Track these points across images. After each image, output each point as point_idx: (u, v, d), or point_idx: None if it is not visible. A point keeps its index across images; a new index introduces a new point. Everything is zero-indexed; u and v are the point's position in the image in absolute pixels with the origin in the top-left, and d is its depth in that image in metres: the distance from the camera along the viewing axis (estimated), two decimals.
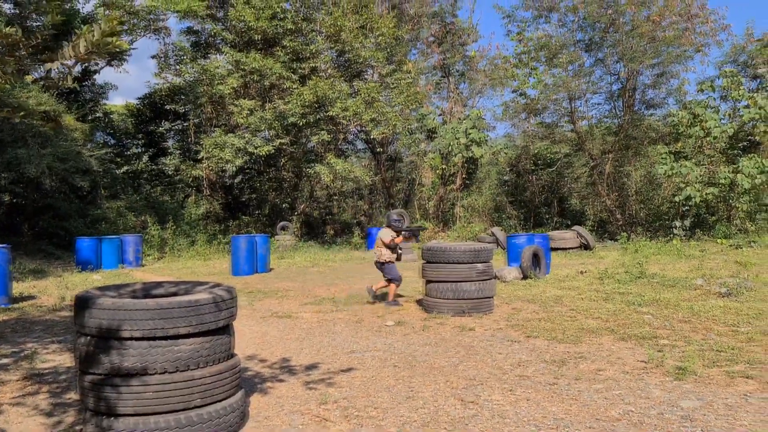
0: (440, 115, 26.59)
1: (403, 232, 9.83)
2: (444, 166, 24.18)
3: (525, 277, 12.08)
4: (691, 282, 11.23)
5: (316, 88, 19.33)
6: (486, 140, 24.50)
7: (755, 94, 20.40)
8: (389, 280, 9.54)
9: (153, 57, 25.00)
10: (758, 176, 18.83)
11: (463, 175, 25.59)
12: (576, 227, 20.92)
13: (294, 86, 20.43)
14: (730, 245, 18.94)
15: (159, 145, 27.28)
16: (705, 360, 5.95)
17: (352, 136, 25.98)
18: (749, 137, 21.52)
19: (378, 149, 26.08)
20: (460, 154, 23.52)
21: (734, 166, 19.93)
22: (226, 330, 4.32)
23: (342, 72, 22.06)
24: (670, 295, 10.10)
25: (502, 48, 24.54)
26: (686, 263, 14.78)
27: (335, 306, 9.62)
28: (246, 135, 20.40)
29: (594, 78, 22.81)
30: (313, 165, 21.07)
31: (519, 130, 25.74)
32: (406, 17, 24.74)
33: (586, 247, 19.86)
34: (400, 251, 9.84)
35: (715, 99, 21.02)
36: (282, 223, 22.16)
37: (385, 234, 9.63)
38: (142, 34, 22.92)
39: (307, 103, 19.51)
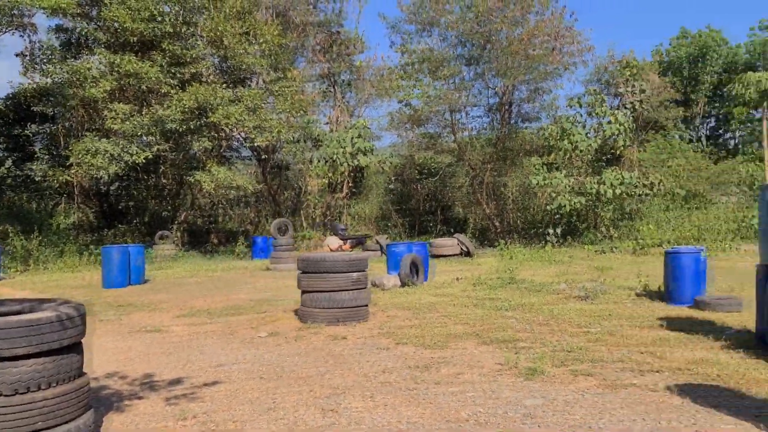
0: (327, 123, 26.76)
1: (349, 240, 10.08)
2: (330, 175, 24.34)
3: (404, 285, 12.39)
4: (555, 286, 12.02)
5: (196, 93, 18.83)
6: (372, 149, 24.91)
7: (616, 111, 22.17)
8: None
9: (17, 55, 23.28)
10: (618, 187, 20.45)
11: (350, 184, 25.86)
12: (457, 235, 21.70)
13: (173, 91, 19.78)
14: (595, 251, 20.42)
15: (25, 149, 25.40)
16: (555, 360, 6.39)
17: (237, 143, 25.50)
18: (612, 151, 23.34)
19: (263, 156, 25.77)
20: (346, 163, 23.78)
21: (599, 177, 21.53)
22: (73, 349, 4.14)
23: (225, 78, 21.64)
24: (535, 299, 10.75)
25: (388, 59, 25.07)
26: (554, 268, 15.77)
27: (209, 318, 9.43)
28: (121, 141, 19.47)
29: (474, 91, 23.87)
30: (193, 173, 20.46)
31: (404, 140, 26.39)
32: (292, 25, 24.69)
33: (467, 254, 20.65)
34: None
35: (582, 115, 22.65)
36: (161, 232, 21.34)
37: (333, 241, 9.98)
38: (5, 30, 21.29)
39: (186, 109, 18.95)
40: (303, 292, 8.94)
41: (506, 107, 24.01)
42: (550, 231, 22.26)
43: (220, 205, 27.80)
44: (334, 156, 23.27)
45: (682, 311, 9.58)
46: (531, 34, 21.16)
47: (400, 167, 26.67)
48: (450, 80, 23.64)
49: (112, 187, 26.50)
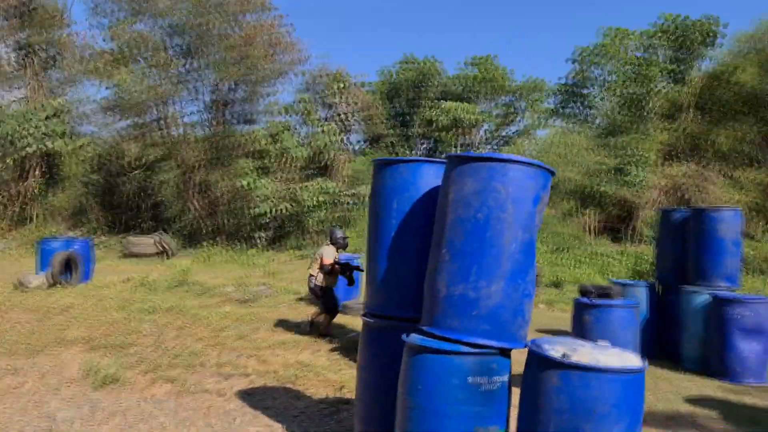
0: (14, 100, 23.47)
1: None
2: (15, 157, 21.33)
3: (54, 284, 11.12)
4: (223, 289, 11.82)
5: None
6: (70, 133, 22.50)
7: (325, 123, 23.07)
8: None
9: None
10: (321, 196, 21.25)
11: (42, 170, 23.03)
12: (157, 234, 20.58)
13: None
14: (298, 256, 20.91)
15: None
16: (148, 366, 6.05)
17: None
18: (323, 160, 24.23)
19: None
20: (35, 146, 21.10)
21: (306, 184, 22.14)
22: None
23: None
24: (192, 302, 10.37)
25: (99, 39, 22.57)
26: (240, 272, 15.64)
27: None
28: None
29: (190, 85, 22.84)
30: None
31: (111, 128, 24.26)
32: None
33: (167, 253, 19.64)
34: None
35: (295, 122, 23.12)
36: None
37: (328, 253, 8.07)
38: None
39: None
40: None
41: (223, 105, 23.48)
42: (258, 234, 22.29)
43: None
44: (14, 136, 20.44)
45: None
46: (250, 36, 21.00)
47: (105, 157, 24.47)
48: (165, 71, 22.35)
49: None
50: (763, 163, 23.74)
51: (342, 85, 24.24)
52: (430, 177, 3.58)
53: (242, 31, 21.12)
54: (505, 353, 3.11)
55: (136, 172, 24.24)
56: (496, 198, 2.99)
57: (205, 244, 21.07)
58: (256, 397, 5.21)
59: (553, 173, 3.21)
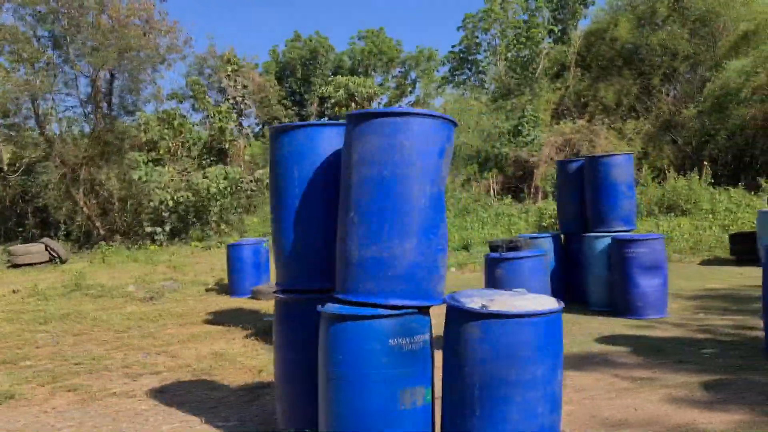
0: None
1: None
2: None
3: None
4: (125, 289, 11.17)
5: None
6: None
7: (221, 105, 22.24)
8: None
9: None
10: (222, 182, 20.55)
11: None
12: (45, 239, 19.18)
13: None
14: (202, 247, 20.16)
15: None
16: (46, 378, 5.57)
17: None
18: (219, 145, 23.41)
19: None
20: None
21: (205, 172, 21.31)
22: None
23: None
24: (90, 306, 9.74)
25: None
26: (142, 269, 14.86)
27: None
28: None
29: (64, 78, 21.28)
30: None
31: None
32: None
33: (58, 260, 18.37)
34: None
35: (186, 108, 22.14)
36: None
37: None
38: None
39: None
40: None
41: (104, 97, 22.05)
42: (158, 229, 21.29)
43: None
44: None
45: (239, 302, 9.72)
46: (125, 20, 19.74)
47: None
48: (35, 64, 20.67)
49: None
50: (643, 114, 25.16)
51: (234, 68, 23.36)
52: (332, 141, 3.41)
53: (115, 14, 19.78)
54: (424, 311, 3.03)
55: (13, 176, 22.43)
56: (402, 153, 2.87)
57: (102, 245, 19.86)
58: (168, 394, 4.92)
59: (455, 124, 3.13)
